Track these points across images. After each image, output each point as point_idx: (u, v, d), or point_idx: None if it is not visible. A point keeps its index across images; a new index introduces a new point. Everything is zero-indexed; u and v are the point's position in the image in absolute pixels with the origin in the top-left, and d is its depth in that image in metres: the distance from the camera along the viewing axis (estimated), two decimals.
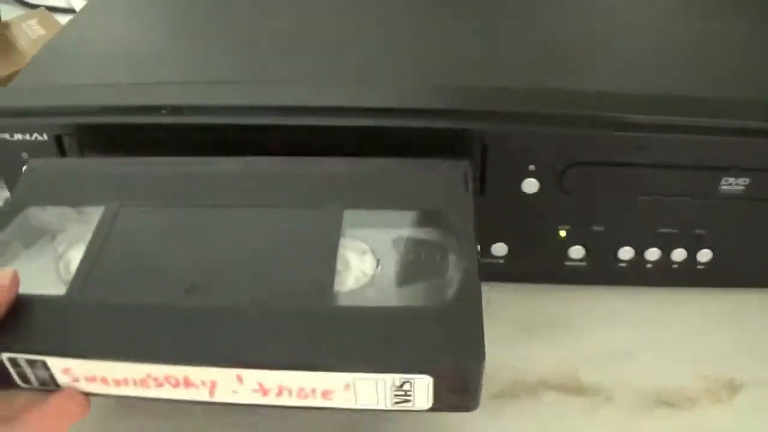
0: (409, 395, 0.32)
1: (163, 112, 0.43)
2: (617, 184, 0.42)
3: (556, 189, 0.42)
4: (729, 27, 0.51)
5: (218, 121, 0.43)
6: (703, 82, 0.45)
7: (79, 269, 0.36)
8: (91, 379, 0.33)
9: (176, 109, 0.43)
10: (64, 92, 0.46)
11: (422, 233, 0.38)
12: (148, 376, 0.33)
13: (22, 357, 0.33)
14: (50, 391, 0.34)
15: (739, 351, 0.45)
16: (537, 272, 0.47)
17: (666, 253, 0.45)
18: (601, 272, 0.47)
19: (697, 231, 0.45)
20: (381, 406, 0.33)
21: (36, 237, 0.39)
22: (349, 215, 0.38)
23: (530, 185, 0.42)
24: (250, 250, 0.37)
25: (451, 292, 0.34)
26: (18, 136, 0.44)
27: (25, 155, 0.45)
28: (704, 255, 0.46)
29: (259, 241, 0.37)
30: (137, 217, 0.39)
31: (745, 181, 0.42)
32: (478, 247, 0.38)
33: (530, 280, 0.48)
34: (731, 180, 0.42)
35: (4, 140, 0.44)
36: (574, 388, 0.43)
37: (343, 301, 0.35)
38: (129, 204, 0.39)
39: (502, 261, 0.46)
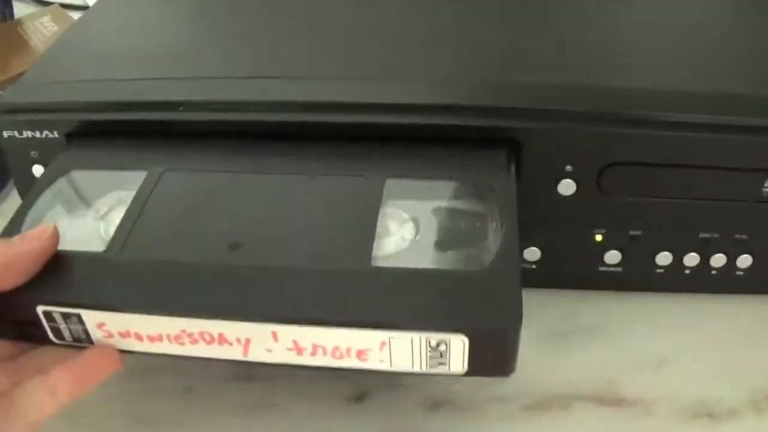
0: (444, 357, 0.32)
1: (181, 108, 0.41)
2: (657, 185, 0.41)
3: (594, 190, 0.40)
4: None
5: (237, 118, 0.41)
6: (748, 79, 0.43)
7: (119, 228, 0.36)
8: (125, 334, 0.33)
9: (194, 106, 0.41)
10: (76, 88, 0.44)
11: (463, 203, 0.38)
12: (183, 332, 0.32)
13: (57, 310, 0.32)
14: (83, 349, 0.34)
15: None
16: (570, 278, 0.45)
17: (705, 258, 0.43)
18: (638, 278, 0.45)
19: (738, 236, 0.43)
20: (416, 369, 0.32)
21: (78, 200, 0.39)
22: (390, 184, 0.38)
23: (567, 186, 0.40)
24: (293, 214, 0.37)
25: (490, 257, 0.34)
26: (27, 134, 0.42)
27: (34, 154, 0.43)
28: (744, 261, 0.43)
29: (301, 206, 0.38)
30: (179, 182, 0.39)
31: None
32: None
33: (563, 285, 0.46)
34: None
35: (13, 138, 0.43)
36: (609, 400, 0.41)
37: (381, 263, 0.34)
38: (172, 169, 0.39)
39: (534, 266, 0.44)
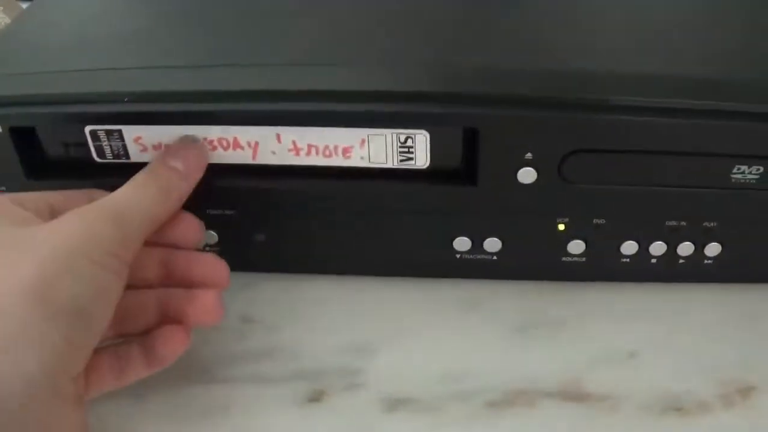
0: (411, 152, 0.39)
1: (126, 99, 0.39)
2: (621, 172, 0.39)
3: (556, 179, 0.39)
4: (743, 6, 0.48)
5: (188, 109, 0.39)
6: (715, 65, 0.41)
7: None
8: (157, 147, 0.40)
9: (140, 97, 0.39)
10: (20, 81, 0.42)
11: None
12: (204, 139, 0.39)
13: (101, 128, 0.39)
14: (122, 165, 0.40)
15: (752, 351, 0.42)
16: (532, 269, 0.44)
17: (672, 247, 0.42)
18: (602, 268, 0.43)
19: (706, 224, 0.41)
20: (390, 164, 0.40)
21: None
22: None
23: (527, 175, 0.39)
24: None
25: None
26: None
27: None
28: (713, 249, 0.42)
29: None
30: None
31: (758, 170, 0.38)
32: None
33: (526, 277, 0.44)
34: (743, 168, 0.38)
35: None
36: (575, 395, 0.40)
37: None
38: None
39: (495, 257, 0.43)
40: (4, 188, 0.42)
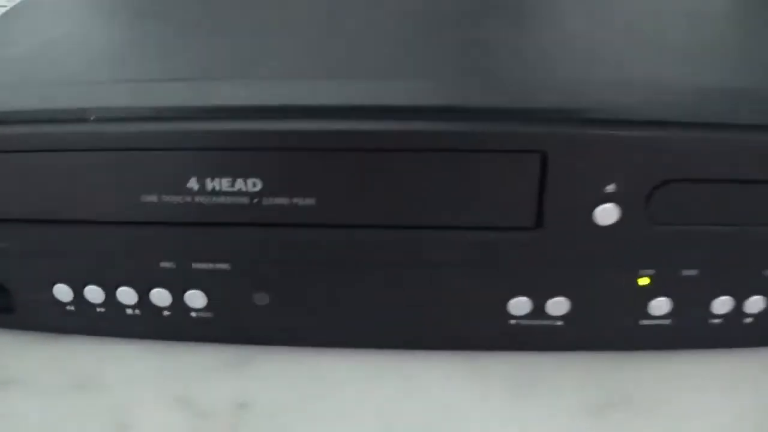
0: None
1: (92, 118, 0.31)
2: (720, 208, 0.31)
3: (642, 218, 0.31)
4: None
5: (164, 129, 0.31)
6: None
7: None
8: None
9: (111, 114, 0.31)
10: None
11: None
12: None
13: None
14: None
15: None
16: (604, 336, 0.35)
17: None
18: (689, 332, 0.35)
19: None
20: None
21: None
22: None
23: (607, 213, 0.30)
24: None
25: None
26: None
27: None
28: None
29: None
30: None
31: None
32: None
33: (594, 346, 0.35)
34: None
35: None
36: None
37: None
38: None
39: (560, 323, 0.34)
40: None
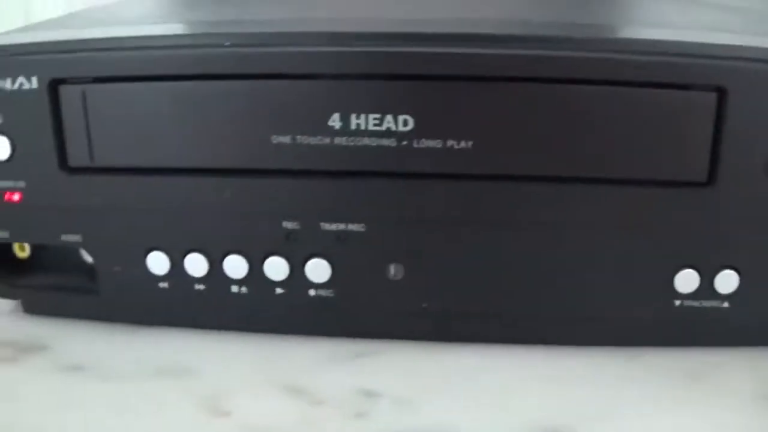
0: None
1: (227, 43, 0.28)
2: None
3: None
4: None
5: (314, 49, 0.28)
6: None
7: None
8: None
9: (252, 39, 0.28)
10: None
11: None
12: None
13: None
14: None
15: None
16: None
17: None
18: None
19: None
20: None
21: None
22: None
23: None
24: None
25: None
26: None
27: None
28: None
29: None
30: None
31: None
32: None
33: (760, 340, 0.32)
34: None
35: None
36: None
37: None
38: None
39: (726, 304, 0.30)
40: (23, 184, 0.29)
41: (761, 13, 0.41)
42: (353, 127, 0.28)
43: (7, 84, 0.29)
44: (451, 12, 0.36)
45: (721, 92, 0.27)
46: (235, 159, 0.29)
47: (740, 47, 0.28)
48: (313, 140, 0.28)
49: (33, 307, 0.34)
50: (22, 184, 0.30)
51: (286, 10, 0.37)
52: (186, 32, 0.30)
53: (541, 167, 0.28)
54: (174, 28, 0.32)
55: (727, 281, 0.30)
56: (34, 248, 0.33)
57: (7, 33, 0.32)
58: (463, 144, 0.28)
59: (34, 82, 0.29)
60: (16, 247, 0.33)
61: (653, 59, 0.28)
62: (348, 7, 0.38)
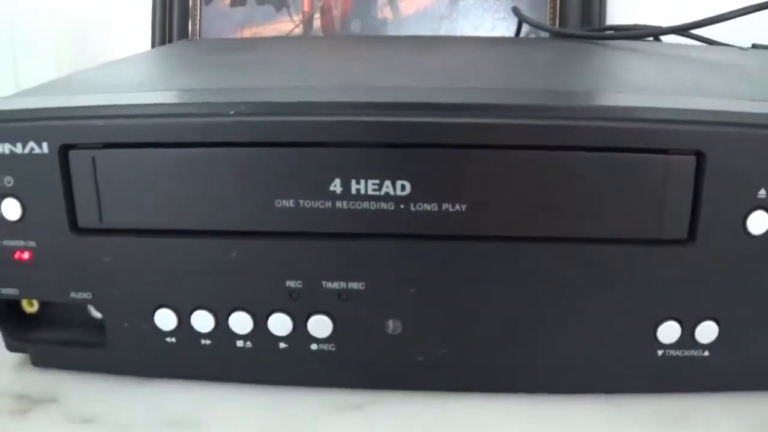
0: None
1: (232, 113, 0.29)
2: None
3: None
4: None
5: (317, 119, 0.29)
6: None
7: None
8: None
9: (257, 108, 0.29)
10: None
11: None
12: None
13: None
14: None
15: None
16: (747, 370, 0.33)
17: None
18: None
19: None
20: None
21: None
22: None
23: (758, 222, 0.30)
24: None
25: None
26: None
27: (9, 180, 0.30)
28: None
29: None
30: None
31: None
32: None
33: (737, 385, 0.33)
34: None
35: None
36: None
37: None
38: None
39: (707, 353, 0.32)
40: (33, 244, 0.30)
41: (744, 69, 0.43)
42: (353, 191, 0.29)
43: (18, 148, 0.30)
44: (442, 80, 0.38)
45: (700, 156, 0.29)
46: (240, 222, 0.30)
47: (717, 112, 0.30)
48: (315, 204, 0.29)
49: (41, 361, 0.35)
50: (32, 243, 0.31)
51: (282, 77, 0.39)
52: (191, 101, 0.31)
53: (532, 228, 0.30)
54: (178, 96, 0.33)
55: (707, 332, 0.32)
56: (42, 303, 0.34)
57: (8, 98, 0.34)
58: (457, 207, 0.30)
59: (45, 148, 0.30)
60: (24, 302, 0.34)
61: (635, 126, 0.29)
62: (344, 75, 0.40)
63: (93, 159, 0.30)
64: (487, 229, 0.30)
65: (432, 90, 0.33)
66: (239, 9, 0.69)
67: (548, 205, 0.30)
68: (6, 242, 0.31)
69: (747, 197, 0.30)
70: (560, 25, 0.66)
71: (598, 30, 0.64)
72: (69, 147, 0.30)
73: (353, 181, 0.29)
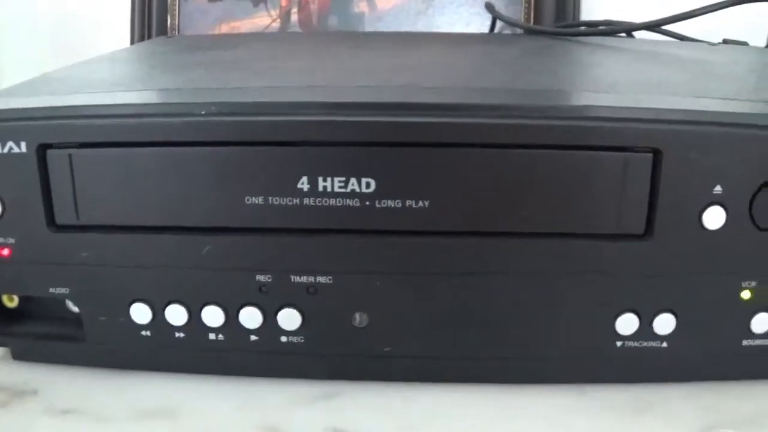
0: None
1: (203, 113, 0.30)
2: None
3: (746, 222, 0.31)
4: None
5: (285, 119, 0.30)
6: None
7: None
8: None
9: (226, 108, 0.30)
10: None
11: None
12: None
13: None
14: None
15: None
16: (708, 361, 0.34)
17: None
18: None
19: None
20: None
21: None
22: None
23: (714, 217, 0.31)
24: None
25: None
26: None
27: None
28: None
29: None
30: None
31: None
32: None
33: (695, 375, 0.34)
34: None
35: None
36: None
37: None
38: None
39: (665, 344, 0.33)
40: (12, 241, 0.31)
41: (710, 65, 0.44)
42: (320, 189, 0.30)
43: None
44: (408, 78, 0.39)
45: (657, 153, 0.30)
46: (211, 218, 0.31)
47: (675, 110, 0.31)
48: (284, 201, 0.31)
49: (21, 354, 0.36)
50: (11, 240, 0.32)
51: (253, 77, 0.40)
52: (164, 101, 0.32)
53: (493, 224, 0.31)
54: (151, 96, 0.34)
55: (665, 323, 0.33)
56: (21, 298, 0.35)
57: None
58: (420, 204, 0.31)
59: (23, 147, 0.31)
60: (4, 296, 0.35)
61: (593, 125, 0.30)
62: (313, 75, 0.41)
63: (70, 158, 0.31)
64: (449, 225, 0.31)
65: (397, 89, 0.35)
66: (218, 4, 0.71)
67: (509, 202, 0.31)
68: None
69: (703, 193, 0.31)
70: (535, 21, 0.67)
71: (571, 26, 0.65)
72: (46, 146, 0.31)
73: (320, 179, 0.30)
